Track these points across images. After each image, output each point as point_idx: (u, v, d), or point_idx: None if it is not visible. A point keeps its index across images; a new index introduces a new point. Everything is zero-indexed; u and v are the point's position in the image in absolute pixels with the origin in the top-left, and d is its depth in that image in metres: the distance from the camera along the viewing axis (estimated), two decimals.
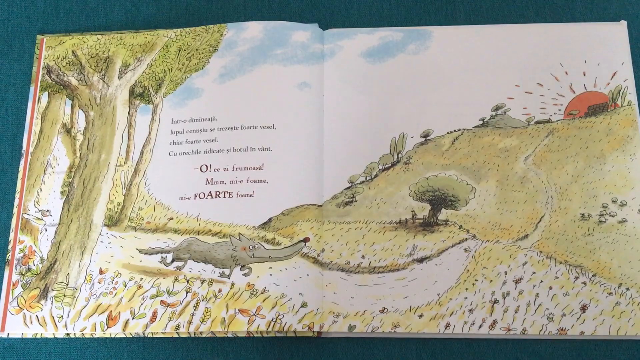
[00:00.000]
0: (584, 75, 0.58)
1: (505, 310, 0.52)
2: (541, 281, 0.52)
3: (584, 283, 0.52)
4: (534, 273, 0.53)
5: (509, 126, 0.57)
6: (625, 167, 0.55)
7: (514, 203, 0.55)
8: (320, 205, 0.55)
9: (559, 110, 0.57)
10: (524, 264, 0.53)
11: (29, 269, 0.55)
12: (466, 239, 0.54)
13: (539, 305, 0.52)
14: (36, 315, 0.53)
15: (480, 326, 0.52)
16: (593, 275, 0.52)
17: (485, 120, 0.57)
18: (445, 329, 0.52)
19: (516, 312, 0.52)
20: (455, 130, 0.57)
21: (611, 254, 0.53)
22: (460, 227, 0.54)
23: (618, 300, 0.52)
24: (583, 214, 0.54)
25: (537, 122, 0.57)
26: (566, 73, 0.58)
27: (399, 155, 0.57)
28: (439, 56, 0.59)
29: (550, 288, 0.52)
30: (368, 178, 0.56)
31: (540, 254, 0.53)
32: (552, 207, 0.55)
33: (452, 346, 0.53)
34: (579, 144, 0.56)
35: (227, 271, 0.54)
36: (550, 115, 0.57)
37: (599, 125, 0.56)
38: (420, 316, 0.52)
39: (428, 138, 0.57)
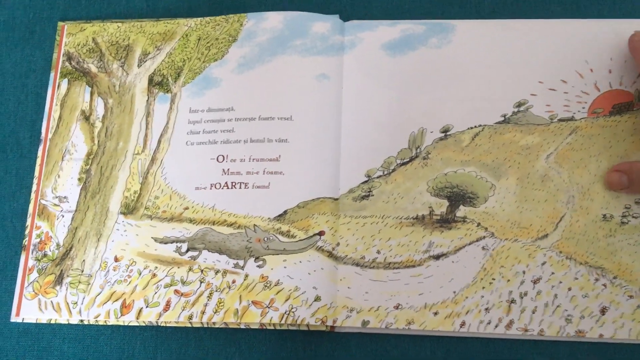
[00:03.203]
0: (610, 72, 0.56)
1: (522, 311, 0.51)
2: (560, 282, 0.51)
3: (604, 285, 0.51)
4: (553, 273, 0.52)
5: (531, 123, 0.56)
6: None
7: (534, 202, 0.54)
8: (337, 199, 0.55)
9: (583, 108, 0.56)
10: (542, 264, 0.52)
11: (44, 255, 0.55)
12: (484, 237, 0.53)
13: (557, 306, 0.51)
14: (51, 301, 0.54)
15: (496, 326, 0.51)
16: (614, 278, 0.51)
17: (506, 117, 0.56)
18: (461, 327, 0.51)
19: (534, 313, 0.51)
20: (475, 126, 0.56)
21: (633, 256, 0.52)
22: (479, 224, 0.53)
23: (639, 303, 0.50)
24: (605, 215, 0.53)
25: (560, 120, 0.56)
26: (591, 70, 0.56)
27: (418, 150, 0.56)
28: (462, 50, 0.58)
29: (570, 289, 0.51)
30: (385, 172, 0.55)
31: (560, 254, 0.52)
32: (573, 206, 0.53)
33: (467, 345, 0.52)
34: (602, 143, 0.55)
35: (241, 262, 0.53)
36: (574, 113, 0.56)
37: (624, 124, 0.55)
38: (436, 314, 0.51)
39: (448, 133, 0.56)
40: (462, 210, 0.54)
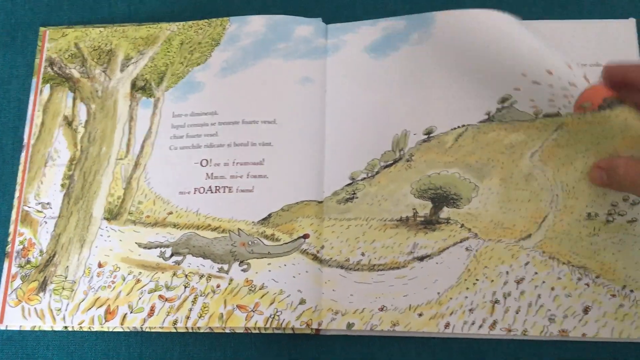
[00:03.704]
0: (599, 66, 0.54)
1: (506, 311, 0.51)
2: (543, 282, 0.51)
3: (587, 284, 0.51)
4: (536, 273, 0.52)
5: (515, 120, 0.55)
6: None
7: (518, 202, 0.54)
8: (321, 202, 0.55)
9: (569, 102, 0.53)
10: (526, 264, 0.52)
11: (28, 262, 0.55)
12: (468, 238, 0.53)
13: (541, 306, 0.51)
14: (34, 308, 0.53)
15: (480, 326, 0.51)
16: (596, 277, 0.51)
17: (490, 115, 0.56)
18: (445, 328, 0.51)
19: (517, 313, 0.51)
20: (459, 127, 0.56)
21: (616, 254, 0.52)
22: (462, 225, 0.53)
23: (621, 302, 0.51)
24: (589, 213, 0.53)
25: (545, 116, 0.55)
26: (579, 64, 0.54)
27: (401, 152, 0.56)
28: (443, 44, 0.57)
29: (553, 289, 0.51)
30: (369, 175, 0.56)
31: (543, 254, 0.52)
32: (557, 206, 0.53)
33: (451, 346, 0.52)
34: (589, 139, 0.53)
35: (225, 266, 0.53)
36: (559, 108, 0.54)
37: (615, 119, 0.51)
38: (420, 315, 0.51)
39: (431, 135, 0.56)
40: (445, 212, 0.54)
